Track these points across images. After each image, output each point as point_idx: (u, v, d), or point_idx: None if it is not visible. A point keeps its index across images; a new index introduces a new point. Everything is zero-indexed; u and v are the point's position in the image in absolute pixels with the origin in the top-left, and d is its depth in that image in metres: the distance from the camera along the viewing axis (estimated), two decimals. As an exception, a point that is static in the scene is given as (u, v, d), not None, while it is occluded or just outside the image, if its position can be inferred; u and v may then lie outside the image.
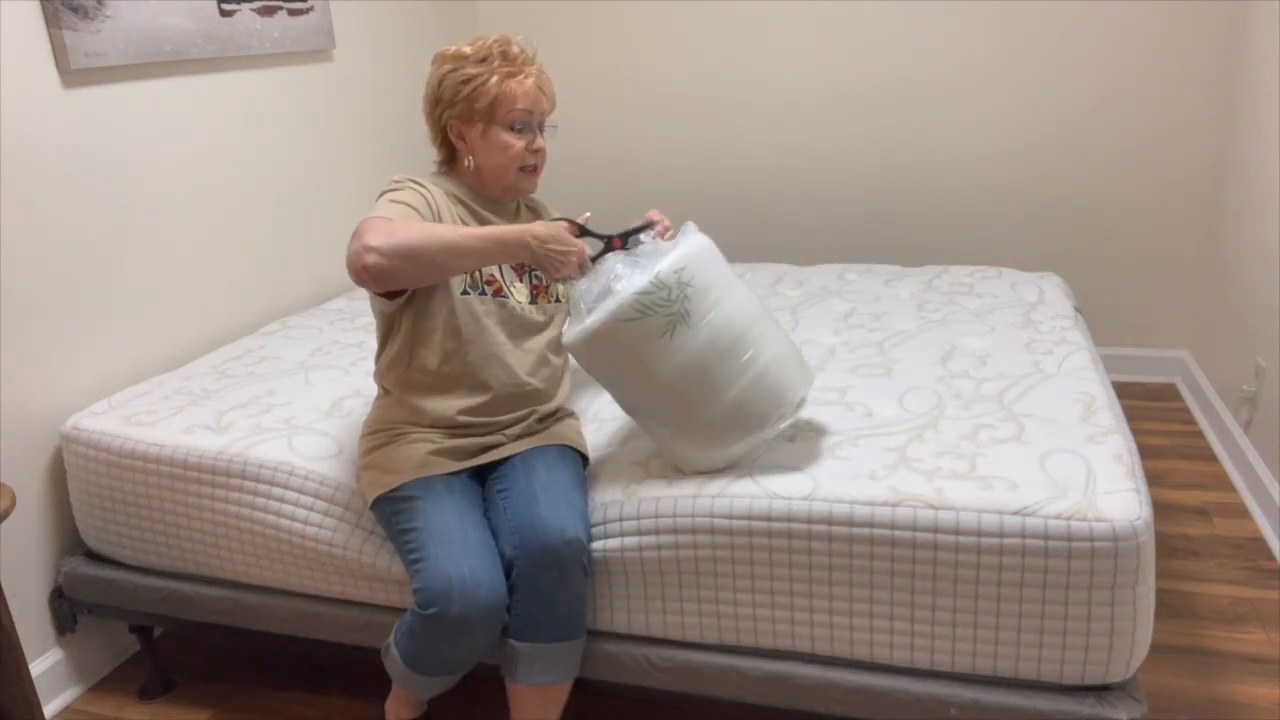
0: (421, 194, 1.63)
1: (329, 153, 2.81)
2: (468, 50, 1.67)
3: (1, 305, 1.89)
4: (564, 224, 1.57)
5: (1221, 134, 3.04)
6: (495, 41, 1.68)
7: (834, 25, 3.26)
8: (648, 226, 1.61)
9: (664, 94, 3.51)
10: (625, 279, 1.53)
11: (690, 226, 1.66)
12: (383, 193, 1.64)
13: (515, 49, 1.68)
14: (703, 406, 1.55)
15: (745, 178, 3.51)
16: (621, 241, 1.60)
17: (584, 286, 1.56)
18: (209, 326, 2.40)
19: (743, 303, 1.59)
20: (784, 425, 1.61)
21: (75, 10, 1.97)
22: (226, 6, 2.36)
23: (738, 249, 3.53)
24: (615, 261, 1.56)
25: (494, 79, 1.64)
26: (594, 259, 1.58)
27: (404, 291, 1.61)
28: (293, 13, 2.58)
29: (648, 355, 1.53)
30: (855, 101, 3.32)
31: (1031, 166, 3.24)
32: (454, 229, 1.52)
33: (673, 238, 1.64)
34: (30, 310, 1.95)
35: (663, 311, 1.50)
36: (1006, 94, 3.19)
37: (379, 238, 1.45)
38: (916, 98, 3.26)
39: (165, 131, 2.24)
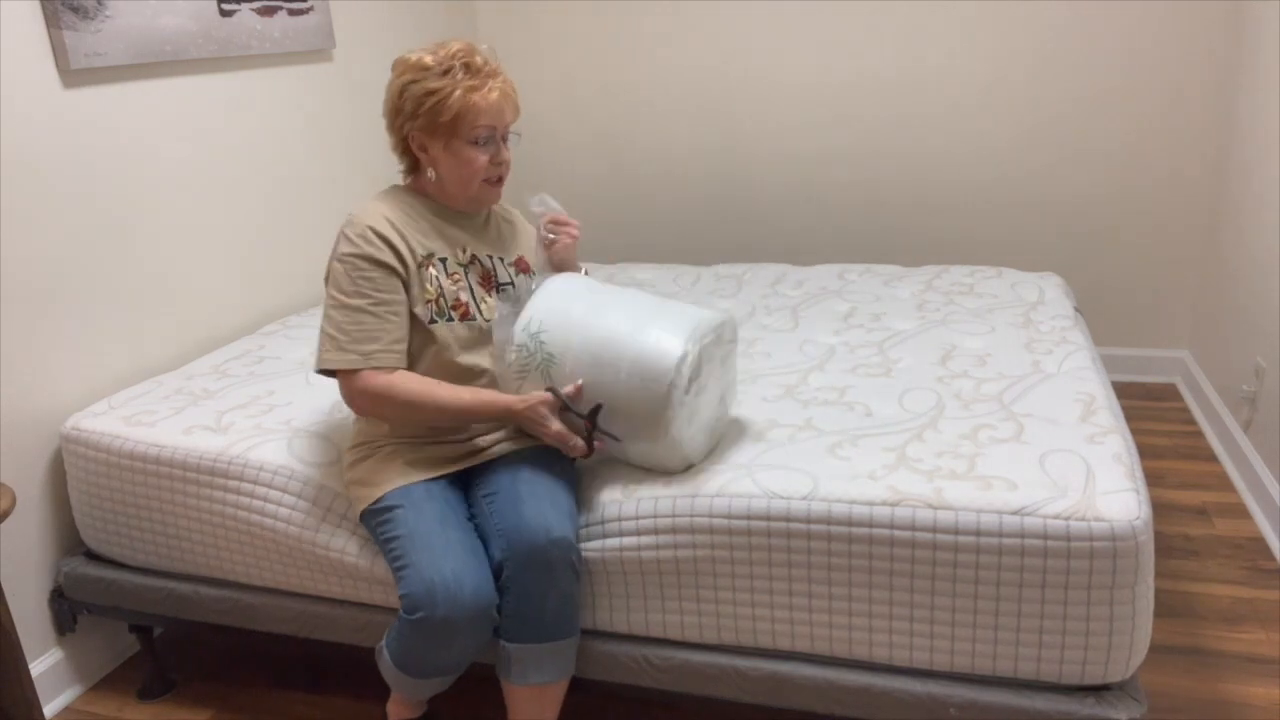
0: (381, 257, 1.61)
1: (329, 153, 2.81)
2: (430, 61, 1.63)
3: (1, 305, 1.89)
4: (546, 398, 1.59)
5: (1221, 134, 3.04)
6: (459, 51, 1.63)
7: (833, 25, 3.26)
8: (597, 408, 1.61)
9: (664, 94, 3.51)
10: (503, 348, 1.65)
11: (544, 281, 1.70)
12: (339, 252, 1.63)
13: (479, 60, 1.64)
14: (619, 414, 1.59)
15: (745, 178, 3.51)
16: (592, 421, 1.60)
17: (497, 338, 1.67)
18: (209, 326, 2.40)
19: (592, 328, 1.61)
20: (688, 386, 1.57)
21: (75, 10, 1.97)
22: (226, 6, 2.36)
23: (738, 249, 3.54)
24: (503, 321, 1.67)
25: (457, 93, 1.60)
26: (585, 427, 1.61)
27: None
28: (293, 13, 2.58)
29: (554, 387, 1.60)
30: (855, 101, 3.32)
31: (1032, 166, 3.23)
32: (438, 402, 1.60)
33: (556, 244, 1.74)
34: (30, 310, 1.95)
35: (534, 364, 1.62)
36: (1006, 94, 3.19)
37: (369, 403, 1.61)
38: (917, 98, 3.26)
39: (165, 131, 2.25)
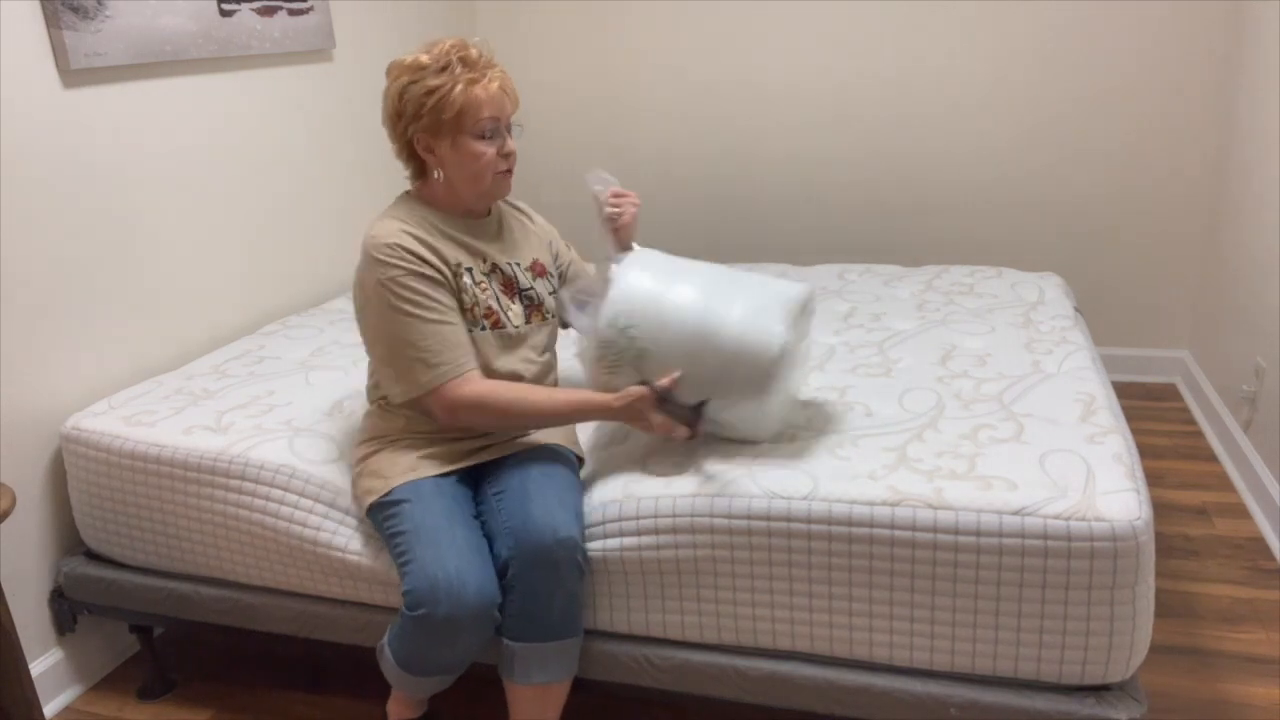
0: (424, 271, 1.61)
1: (329, 153, 2.81)
2: (425, 60, 1.61)
3: (2, 305, 1.89)
4: (642, 393, 1.57)
5: (1221, 134, 3.04)
6: (452, 47, 1.62)
7: (834, 25, 3.26)
8: (702, 403, 1.60)
9: (664, 94, 3.51)
10: (586, 342, 1.65)
11: (620, 260, 1.69)
12: (383, 277, 1.59)
13: (474, 53, 1.63)
14: (716, 401, 1.61)
15: (746, 178, 3.51)
16: (698, 414, 1.59)
17: (582, 325, 1.67)
18: (209, 326, 2.40)
19: (684, 315, 1.62)
20: (783, 372, 1.61)
21: (75, 10, 1.97)
22: (226, 6, 2.36)
23: (738, 249, 3.54)
24: (577, 309, 1.68)
25: (458, 87, 1.59)
26: (685, 414, 1.59)
27: None
28: (293, 13, 2.58)
29: (648, 379, 1.61)
30: (855, 101, 3.32)
31: (1032, 166, 3.24)
32: (536, 407, 1.63)
33: (623, 218, 1.75)
34: (30, 310, 1.95)
35: (625, 359, 1.62)
36: (1007, 94, 3.19)
37: (464, 412, 1.61)
38: (917, 98, 3.26)
39: (165, 131, 2.25)
